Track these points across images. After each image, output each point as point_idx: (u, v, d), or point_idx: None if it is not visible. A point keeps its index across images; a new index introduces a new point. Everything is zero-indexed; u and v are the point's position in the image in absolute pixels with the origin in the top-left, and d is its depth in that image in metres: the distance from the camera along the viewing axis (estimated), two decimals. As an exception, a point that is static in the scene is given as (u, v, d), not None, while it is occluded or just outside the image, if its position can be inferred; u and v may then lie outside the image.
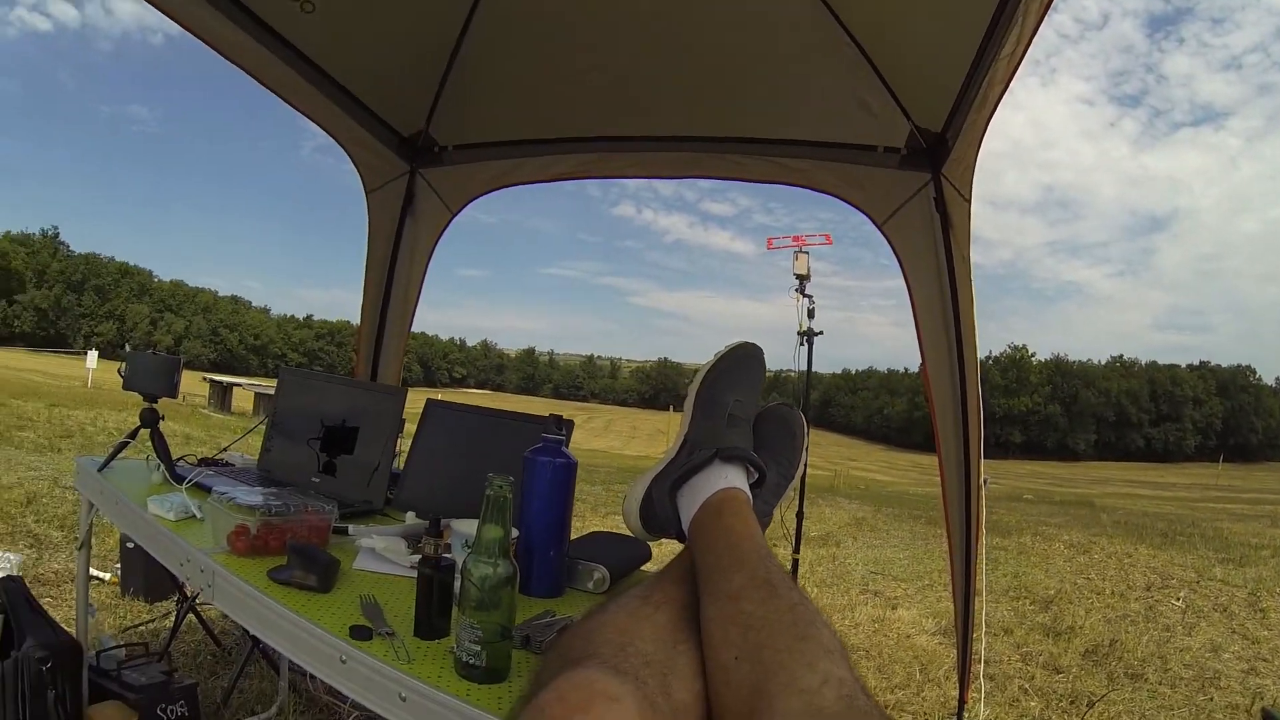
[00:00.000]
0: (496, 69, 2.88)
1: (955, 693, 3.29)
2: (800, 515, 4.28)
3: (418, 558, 1.27)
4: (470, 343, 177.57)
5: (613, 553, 1.66)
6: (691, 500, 1.16)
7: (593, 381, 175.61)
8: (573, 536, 1.61)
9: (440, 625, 1.19)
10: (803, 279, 4.67)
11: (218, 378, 19.20)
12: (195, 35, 2.47)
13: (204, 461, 2.37)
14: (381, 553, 1.58)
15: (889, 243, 2.80)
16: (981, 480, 2.71)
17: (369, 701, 1.12)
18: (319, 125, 3.02)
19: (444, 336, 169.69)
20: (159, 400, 2.15)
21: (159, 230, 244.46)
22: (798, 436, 1.32)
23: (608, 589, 1.54)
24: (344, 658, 1.14)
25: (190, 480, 1.94)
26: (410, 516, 1.87)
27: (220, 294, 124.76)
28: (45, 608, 2.29)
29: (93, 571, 3.68)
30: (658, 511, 1.23)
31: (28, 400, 12.65)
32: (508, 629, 1.07)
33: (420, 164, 3.36)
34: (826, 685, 0.76)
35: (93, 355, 26.51)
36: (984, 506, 2.76)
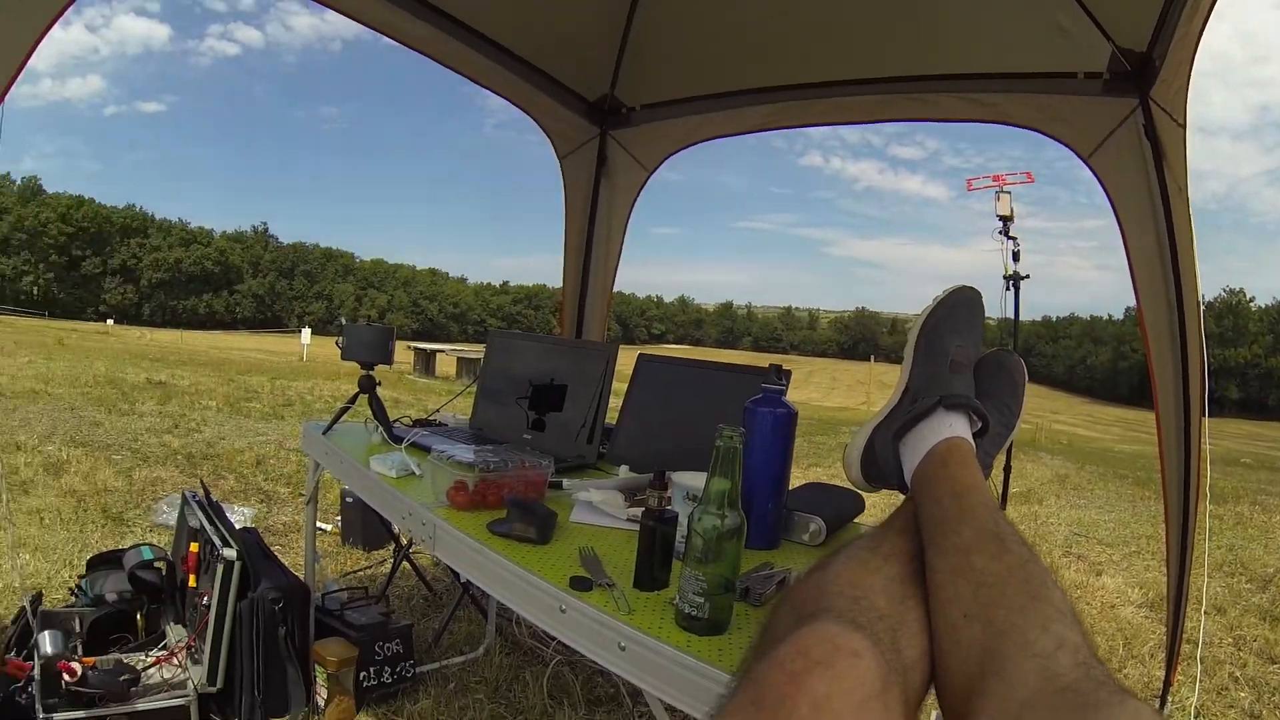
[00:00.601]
0: (676, 25, 2.87)
1: (1160, 673, 3.01)
2: (1008, 469, 4.06)
3: (635, 510, 1.27)
4: (667, 299, 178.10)
5: (828, 504, 1.62)
6: (915, 450, 1.10)
7: (791, 333, 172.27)
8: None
9: (661, 577, 1.19)
10: (1006, 220, 4.38)
11: (422, 345, 20.38)
12: (384, 34, 2.65)
13: (418, 423, 2.49)
14: (598, 506, 1.61)
15: (1096, 177, 2.54)
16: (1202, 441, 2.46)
17: (588, 650, 1.13)
18: (507, 99, 3.13)
19: (641, 294, 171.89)
20: (375, 367, 2.27)
21: (356, 216, 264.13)
22: (1018, 384, 1.25)
23: (823, 541, 1.51)
24: (563, 607, 1.16)
25: (408, 440, 2.06)
26: (623, 470, 1.89)
27: (418, 268, 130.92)
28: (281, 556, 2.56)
29: (319, 524, 4.05)
30: (880, 462, 1.17)
31: (253, 375, 13.92)
32: (731, 581, 1.06)
33: (610, 126, 3.41)
34: (1061, 650, 0.71)
35: (306, 332, 28.60)
36: (1207, 470, 2.52)
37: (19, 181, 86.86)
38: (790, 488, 1.68)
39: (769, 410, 1.41)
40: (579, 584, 1.17)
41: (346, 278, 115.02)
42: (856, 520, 1.70)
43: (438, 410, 2.73)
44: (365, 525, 3.80)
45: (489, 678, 2.61)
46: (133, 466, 5.29)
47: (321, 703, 2.22)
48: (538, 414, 2.23)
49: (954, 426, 1.10)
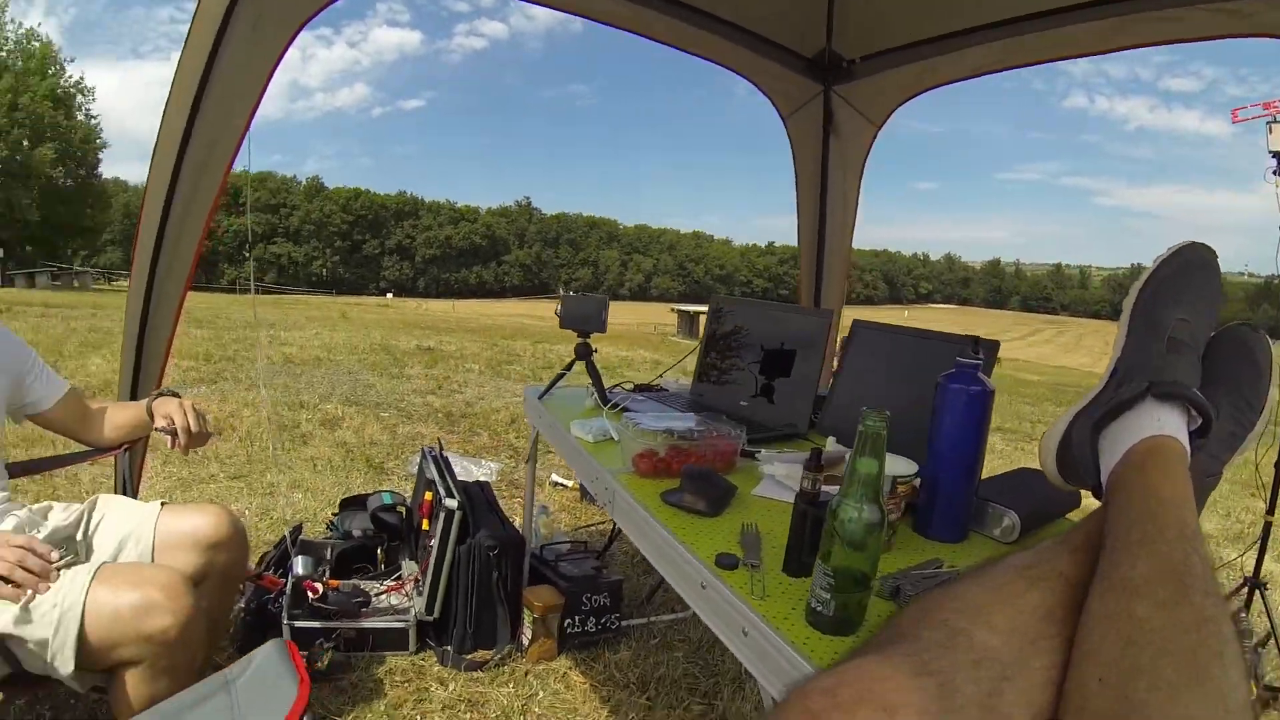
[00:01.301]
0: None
1: None
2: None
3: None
4: (934, 256, 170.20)
5: (1030, 496, 1.40)
6: (1114, 447, 0.90)
7: (1062, 293, 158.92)
8: (996, 471, 1.45)
9: (810, 564, 1.11)
10: (1280, 156, 3.58)
11: (684, 307, 20.94)
12: (598, 21, 2.74)
13: (639, 388, 2.54)
14: (782, 480, 1.54)
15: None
16: None
17: (717, 629, 1.09)
18: (724, 66, 3.08)
19: (906, 252, 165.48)
20: (590, 335, 2.34)
21: (615, 184, 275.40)
22: (1263, 370, 0.97)
23: (1016, 538, 1.33)
24: (704, 584, 1.13)
25: (612, 405, 2.11)
26: (830, 442, 1.80)
27: (682, 231, 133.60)
28: (518, 507, 2.75)
29: (558, 479, 4.35)
30: (1076, 457, 0.97)
31: (516, 339, 14.90)
32: (866, 578, 0.95)
33: (832, 82, 3.26)
34: None
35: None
36: None
37: (304, 181, 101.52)
38: (1006, 473, 1.52)
39: (961, 388, 1.26)
40: (724, 561, 1.13)
41: (610, 244, 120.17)
42: (1069, 516, 1.48)
43: (661, 375, 2.78)
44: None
45: (692, 638, 2.63)
46: (397, 423, 5.89)
47: (526, 642, 2.37)
48: (753, 381, 2.19)
49: (1163, 422, 0.88)
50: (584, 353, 2.31)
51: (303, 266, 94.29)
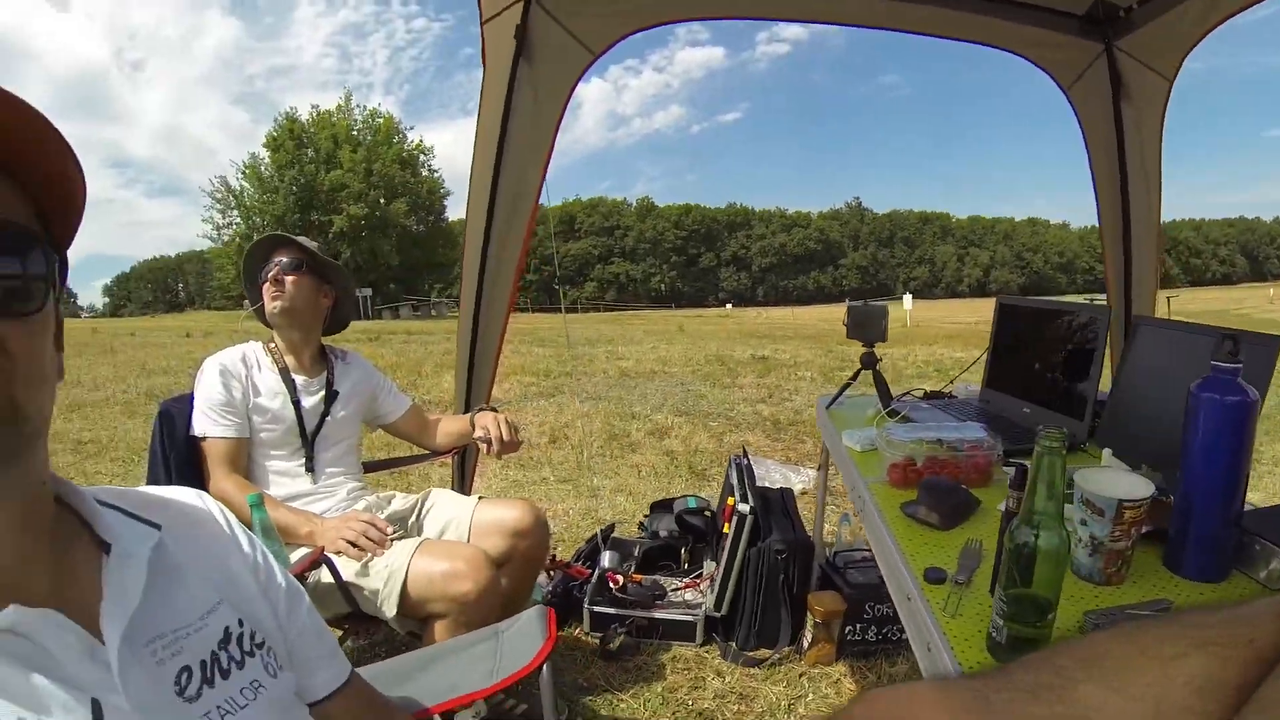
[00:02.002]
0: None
1: None
2: None
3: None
4: None
5: None
6: None
7: None
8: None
9: (1008, 588, 1.11)
10: None
11: (1011, 301, 19.35)
12: (850, 25, 2.76)
13: (929, 395, 2.55)
14: None
15: None
16: None
17: (912, 641, 1.11)
18: (990, 45, 2.91)
19: (1266, 217, 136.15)
20: (875, 345, 2.39)
21: (941, 175, 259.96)
22: None
23: None
24: (910, 595, 1.16)
25: (891, 413, 2.17)
26: (1106, 455, 1.67)
27: (1017, 219, 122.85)
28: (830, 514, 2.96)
29: None
30: None
31: (852, 345, 14.45)
32: (1043, 608, 0.91)
33: (1112, 36, 2.91)
34: None
35: (908, 297, 29.30)
36: None
37: (634, 203, 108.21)
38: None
39: (1216, 398, 1.10)
40: (931, 575, 1.15)
41: (945, 239, 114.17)
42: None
43: (951, 381, 2.74)
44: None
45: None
46: (724, 431, 6.17)
47: (806, 644, 2.45)
48: (1035, 386, 2.12)
49: None
50: (869, 361, 2.37)
51: (641, 283, 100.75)
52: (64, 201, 0.62)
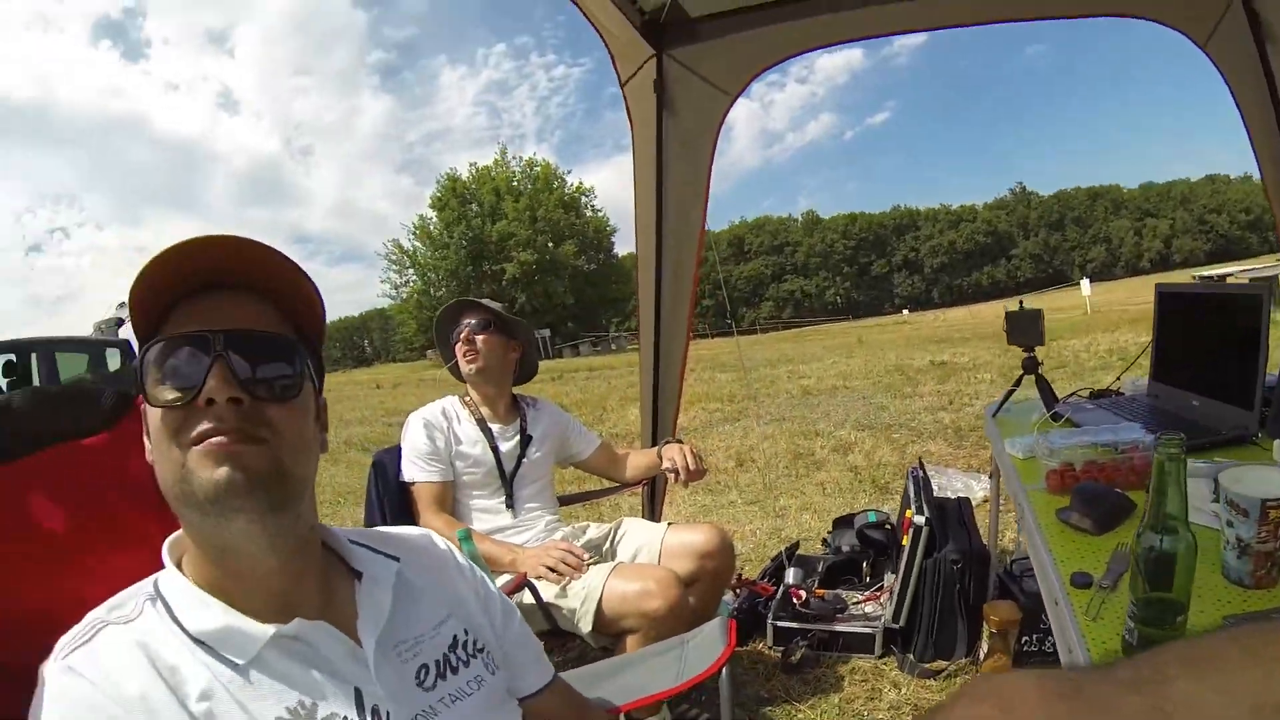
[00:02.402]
0: None
1: None
2: None
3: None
4: None
5: None
6: None
7: None
8: None
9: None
10: None
11: (1208, 273, 17.34)
12: (965, 26, 2.79)
13: (1095, 395, 2.52)
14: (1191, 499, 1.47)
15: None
16: None
17: (1059, 644, 1.16)
18: (1113, 14, 2.80)
19: None
20: (1034, 349, 2.41)
21: (1105, 144, 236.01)
22: None
23: None
24: (1056, 599, 1.20)
25: (1055, 416, 2.19)
26: (1277, 448, 1.61)
27: (1193, 180, 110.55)
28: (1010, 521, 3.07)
29: None
30: None
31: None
32: (1174, 610, 0.94)
33: None
34: None
35: (1085, 283, 26.55)
36: None
37: (800, 218, 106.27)
38: None
39: None
40: (1078, 580, 1.18)
41: (1118, 212, 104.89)
42: None
43: (1119, 377, 2.70)
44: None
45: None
46: (907, 442, 6.14)
47: (982, 655, 2.45)
48: (1204, 377, 2.04)
49: None
50: (1030, 366, 2.39)
51: (816, 297, 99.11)
52: (310, 314, 0.85)
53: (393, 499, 2.32)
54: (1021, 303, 2.59)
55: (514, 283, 51.64)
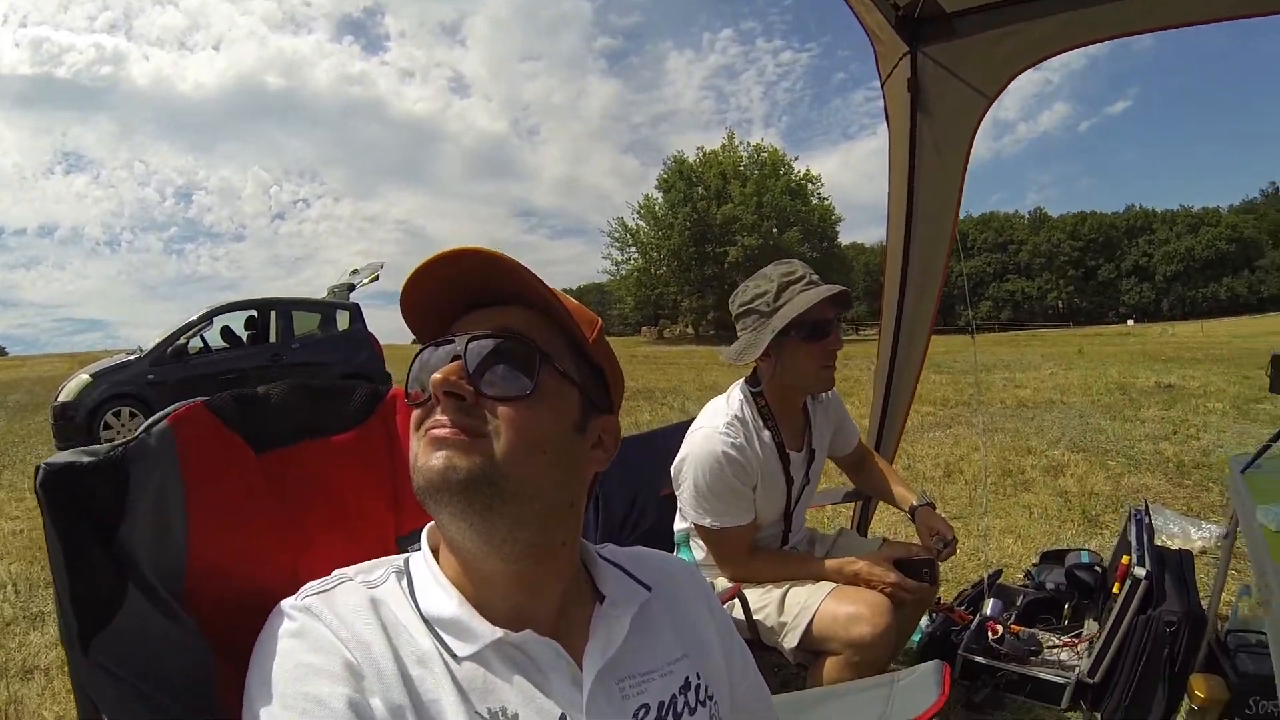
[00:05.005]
0: None
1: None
2: None
3: None
4: None
5: None
6: None
7: None
8: None
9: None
10: None
11: None
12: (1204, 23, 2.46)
13: None
14: None
15: None
16: None
17: None
18: None
19: None
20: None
21: None
22: None
23: None
24: None
25: None
26: None
27: None
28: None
29: None
30: None
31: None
32: None
33: None
34: None
35: None
36: None
37: (1027, 215, 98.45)
38: None
39: None
40: None
41: None
42: None
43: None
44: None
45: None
46: (1123, 472, 5.74)
47: (1179, 728, 2.28)
48: None
49: None
50: None
51: (1037, 300, 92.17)
52: (577, 326, 0.83)
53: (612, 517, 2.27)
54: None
55: (736, 266, 51.21)
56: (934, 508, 2.25)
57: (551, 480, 0.78)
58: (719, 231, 53.22)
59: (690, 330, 56.86)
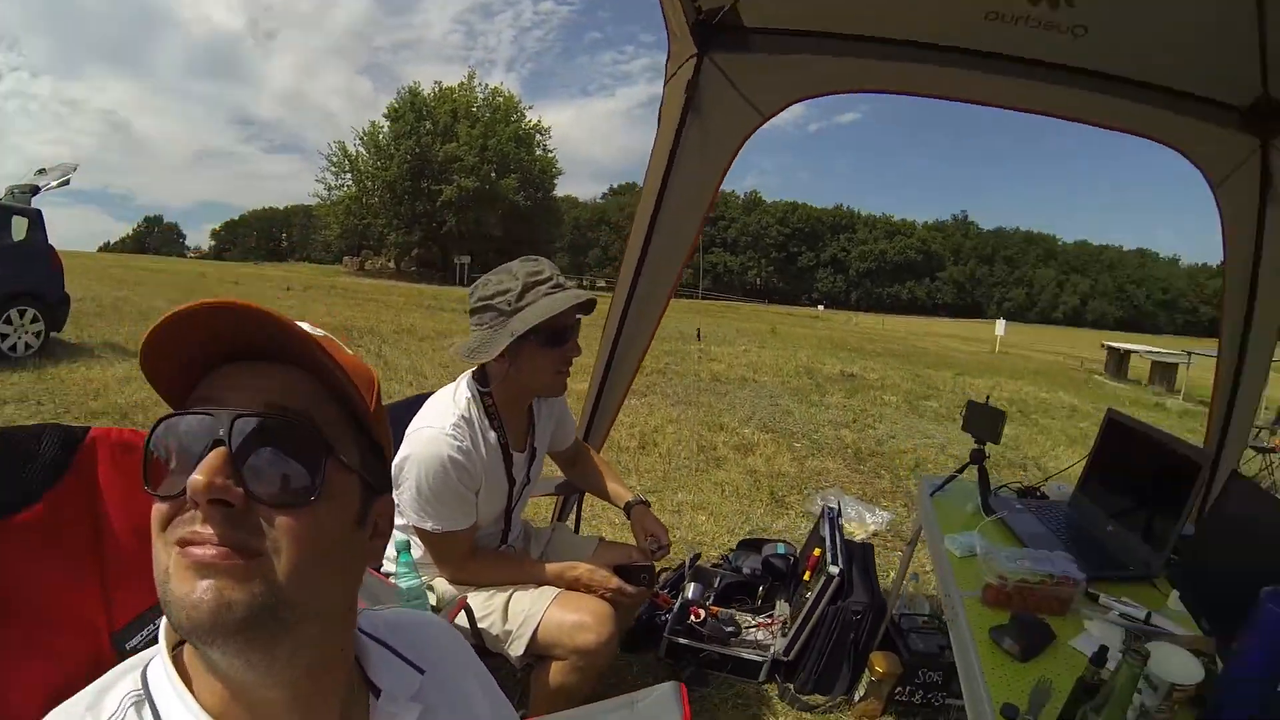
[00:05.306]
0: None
1: None
2: None
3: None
4: None
5: None
6: None
7: None
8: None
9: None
10: None
11: (1116, 344, 18.22)
12: (975, 103, 2.85)
13: (1023, 492, 2.67)
14: (1097, 640, 1.54)
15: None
16: None
17: None
18: (1133, 133, 2.89)
19: None
20: (985, 443, 2.51)
21: (1054, 196, 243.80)
22: None
23: None
24: None
25: (984, 511, 2.32)
26: (1172, 599, 1.78)
27: (1125, 249, 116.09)
28: (895, 561, 3.11)
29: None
30: None
31: (939, 369, 14.37)
32: None
33: (1272, 133, 2.81)
34: None
35: (1000, 324, 27.11)
36: None
37: (743, 196, 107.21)
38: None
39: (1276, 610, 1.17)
40: (1007, 712, 1.25)
41: (1048, 262, 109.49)
42: None
43: (1047, 480, 2.82)
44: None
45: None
46: (807, 455, 6.22)
47: (858, 697, 2.60)
48: (1122, 506, 2.18)
49: None
50: (977, 457, 2.50)
51: (738, 275, 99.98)
52: (358, 391, 0.69)
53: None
54: (989, 398, 2.72)
55: (448, 206, 50.54)
56: (648, 506, 2.29)
57: (336, 591, 0.67)
58: (438, 169, 51.73)
59: (392, 264, 55.41)
